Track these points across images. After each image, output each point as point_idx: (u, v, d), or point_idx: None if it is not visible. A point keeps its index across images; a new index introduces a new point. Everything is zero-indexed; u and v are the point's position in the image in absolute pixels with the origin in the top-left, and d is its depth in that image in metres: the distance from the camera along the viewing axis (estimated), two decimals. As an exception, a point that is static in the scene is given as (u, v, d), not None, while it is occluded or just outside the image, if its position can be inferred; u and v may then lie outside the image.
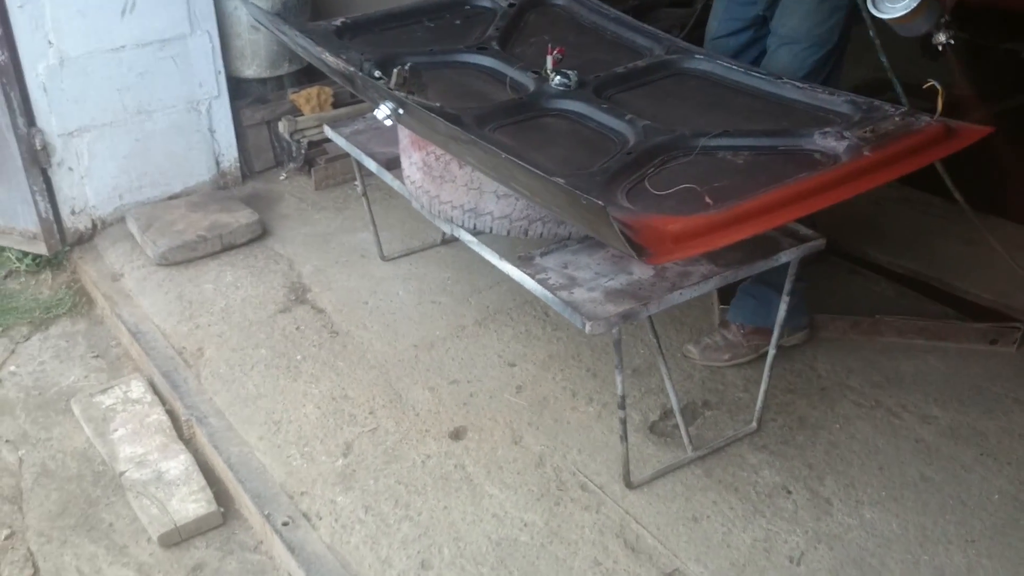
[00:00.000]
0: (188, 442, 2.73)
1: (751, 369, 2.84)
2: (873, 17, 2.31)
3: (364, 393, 2.81)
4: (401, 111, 2.35)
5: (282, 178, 4.05)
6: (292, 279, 3.38)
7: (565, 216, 2.21)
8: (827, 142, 2.21)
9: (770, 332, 2.62)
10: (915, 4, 2.22)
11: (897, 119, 2.25)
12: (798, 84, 2.49)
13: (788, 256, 2.36)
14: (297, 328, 3.12)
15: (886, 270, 3.33)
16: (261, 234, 3.61)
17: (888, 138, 2.17)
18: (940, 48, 2.36)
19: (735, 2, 2.74)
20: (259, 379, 2.89)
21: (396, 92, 2.34)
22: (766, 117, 2.42)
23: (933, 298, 3.15)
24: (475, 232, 2.54)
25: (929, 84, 2.41)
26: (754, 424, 2.62)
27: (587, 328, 2.13)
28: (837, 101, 2.40)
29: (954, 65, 5.12)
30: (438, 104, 2.35)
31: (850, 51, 5.48)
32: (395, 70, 2.37)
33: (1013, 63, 4.77)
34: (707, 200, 2.02)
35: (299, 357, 2.98)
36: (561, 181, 1.91)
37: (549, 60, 2.56)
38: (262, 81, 4.05)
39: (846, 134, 2.20)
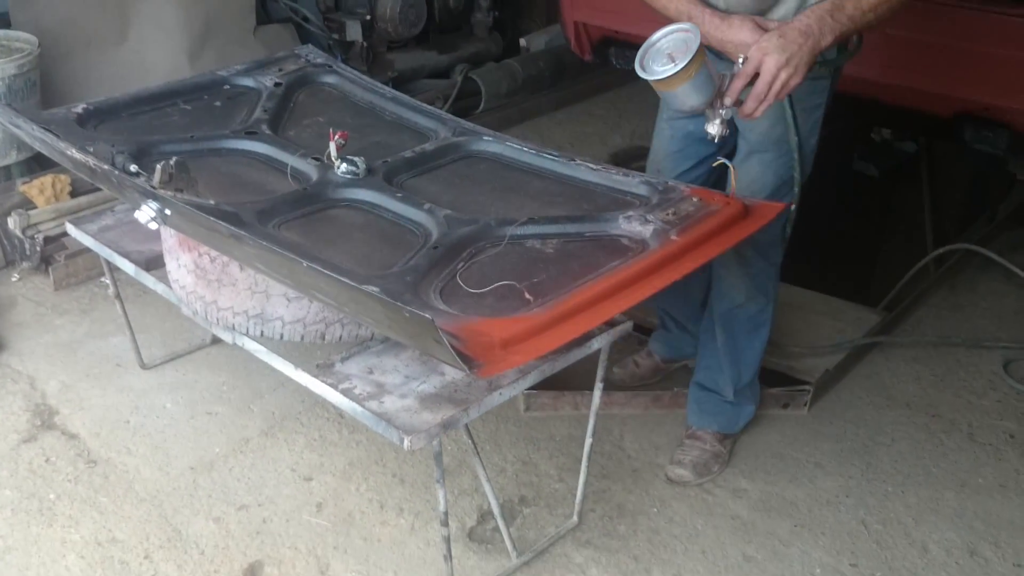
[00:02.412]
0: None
1: (564, 457, 2.73)
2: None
3: (136, 533, 2.42)
4: (168, 212, 2.06)
5: (14, 279, 3.53)
6: (36, 400, 2.91)
7: (381, 329, 2.00)
8: (632, 226, 2.15)
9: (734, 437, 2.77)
10: (677, 70, 1.97)
11: (695, 200, 2.23)
12: (592, 165, 2.44)
13: (600, 343, 2.27)
14: (47, 460, 2.67)
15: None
16: (-7, 349, 3.11)
17: (691, 220, 2.14)
18: (712, 139, 2.14)
19: (689, 141, 2.52)
20: (6, 528, 2.42)
21: (161, 191, 2.05)
22: (565, 201, 2.34)
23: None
24: (262, 339, 2.27)
25: (719, 162, 2.43)
26: (575, 518, 2.50)
27: (406, 444, 1.93)
28: (633, 182, 2.36)
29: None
30: (212, 201, 2.08)
31: (607, 119, 5.62)
32: (159, 165, 2.08)
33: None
34: (527, 296, 1.88)
35: (52, 496, 2.54)
36: (375, 290, 1.71)
37: (332, 146, 2.35)
38: (-15, 172, 3.55)
39: (649, 217, 2.16)
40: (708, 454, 2.67)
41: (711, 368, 2.71)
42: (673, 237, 2.07)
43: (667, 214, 2.16)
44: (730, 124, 2.27)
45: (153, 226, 2.08)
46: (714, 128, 2.12)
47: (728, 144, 2.47)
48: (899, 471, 2.70)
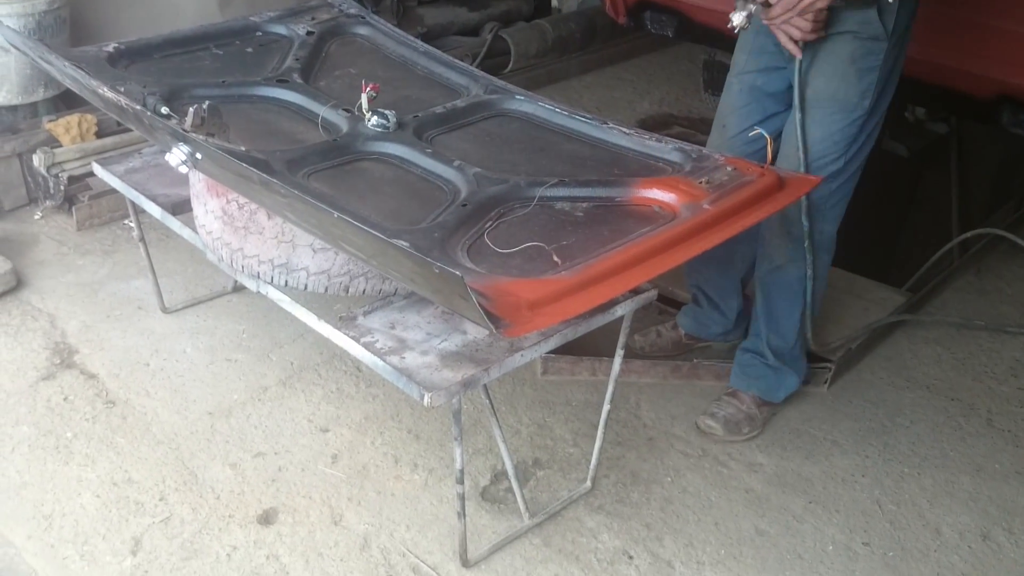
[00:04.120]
0: (-67, 546, 2.26)
1: (579, 422, 2.73)
2: None
3: (152, 475, 2.44)
4: (199, 156, 2.04)
5: (37, 217, 3.54)
6: (55, 338, 2.93)
7: (407, 283, 1.99)
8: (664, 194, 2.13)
9: (773, 406, 2.76)
10: None
11: (729, 169, 2.20)
12: (624, 130, 2.42)
13: (624, 309, 2.25)
14: (65, 398, 2.68)
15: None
16: (15, 285, 3.11)
17: (725, 189, 2.12)
18: (733, 29, 2.28)
19: (756, 96, 2.51)
20: (23, 464, 2.45)
21: (193, 134, 2.03)
22: (596, 164, 2.32)
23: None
24: (286, 289, 2.27)
25: (756, 132, 2.40)
26: (588, 483, 2.50)
27: (426, 400, 1.92)
28: (666, 148, 2.34)
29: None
30: (243, 148, 2.07)
31: (636, 85, 5.54)
32: (192, 109, 2.06)
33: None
34: (555, 259, 1.87)
35: (70, 434, 2.55)
36: (405, 244, 1.70)
37: (364, 98, 2.33)
38: (12, 109, 3.53)
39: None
40: (743, 414, 2.68)
41: (757, 334, 2.72)
42: (706, 206, 2.05)
43: (700, 182, 2.14)
44: (787, 79, 2.36)
45: (183, 170, 2.07)
46: (738, 18, 2.26)
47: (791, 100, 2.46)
48: (916, 453, 2.69)
